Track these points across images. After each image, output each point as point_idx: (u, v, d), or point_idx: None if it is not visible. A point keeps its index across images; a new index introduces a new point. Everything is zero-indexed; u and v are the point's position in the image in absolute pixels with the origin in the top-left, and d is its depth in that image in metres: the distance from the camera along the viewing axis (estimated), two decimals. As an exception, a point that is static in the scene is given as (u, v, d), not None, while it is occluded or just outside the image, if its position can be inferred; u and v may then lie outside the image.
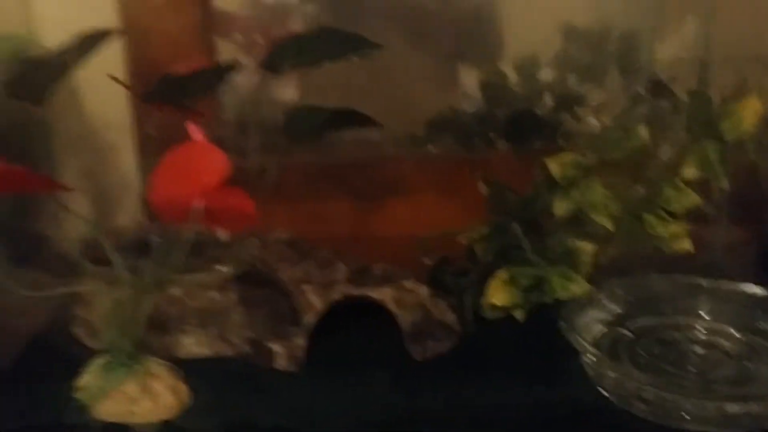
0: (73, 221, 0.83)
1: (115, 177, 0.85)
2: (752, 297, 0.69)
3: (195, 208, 0.58)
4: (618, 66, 0.95)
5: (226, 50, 0.86)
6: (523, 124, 0.95)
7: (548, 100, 0.96)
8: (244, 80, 0.82)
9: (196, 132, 0.60)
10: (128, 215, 0.85)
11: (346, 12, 0.92)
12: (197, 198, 0.57)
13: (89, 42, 0.61)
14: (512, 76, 0.95)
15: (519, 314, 0.72)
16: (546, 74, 0.96)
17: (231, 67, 0.62)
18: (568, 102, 0.96)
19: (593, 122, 0.96)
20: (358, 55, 0.62)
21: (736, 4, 0.91)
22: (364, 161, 0.91)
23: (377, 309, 0.70)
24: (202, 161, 0.58)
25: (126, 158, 0.85)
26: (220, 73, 0.63)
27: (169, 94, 0.62)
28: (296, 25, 0.95)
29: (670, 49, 0.96)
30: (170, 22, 0.81)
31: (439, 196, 0.90)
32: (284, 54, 0.61)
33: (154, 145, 0.79)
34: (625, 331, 0.68)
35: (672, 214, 0.70)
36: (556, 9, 0.92)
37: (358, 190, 0.90)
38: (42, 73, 0.60)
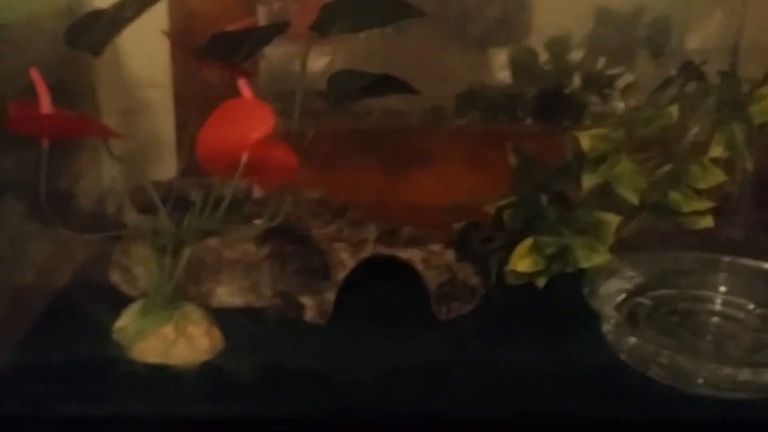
0: (105, 175, 0.87)
1: (153, 133, 0.88)
2: (769, 273, 0.71)
3: (242, 161, 0.60)
4: (648, 50, 0.97)
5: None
6: (550, 102, 0.97)
7: (577, 80, 0.98)
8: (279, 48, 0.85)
9: (245, 88, 0.62)
10: (164, 171, 0.88)
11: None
12: (244, 151, 0.60)
13: (145, -1, 0.63)
14: (542, 55, 0.97)
15: (541, 281, 0.75)
16: (576, 54, 0.98)
17: (281, 27, 0.64)
18: (597, 83, 0.98)
19: (620, 104, 0.97)
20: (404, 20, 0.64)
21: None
22: (394, 129, 0.94)
23: (404, 269, 0.73)
24: (250, 116, 0.61)
25: (164, 115, 0.88)
26: (270, 32, 0.65)
27: (220, 51, 0.64)
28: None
29: (701, 36, 0.98)
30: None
31: (467, 167, 0.92)
32: (333, 18, 0.63)
33: (192, 104, 0.83)
34: (645, 300, 0.70)
35: (697, 192, 0.72)
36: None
37: (388, 157, 0.92)
38: (100, 26, 0.62)
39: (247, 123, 0.60)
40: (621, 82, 0.97)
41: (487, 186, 0.82)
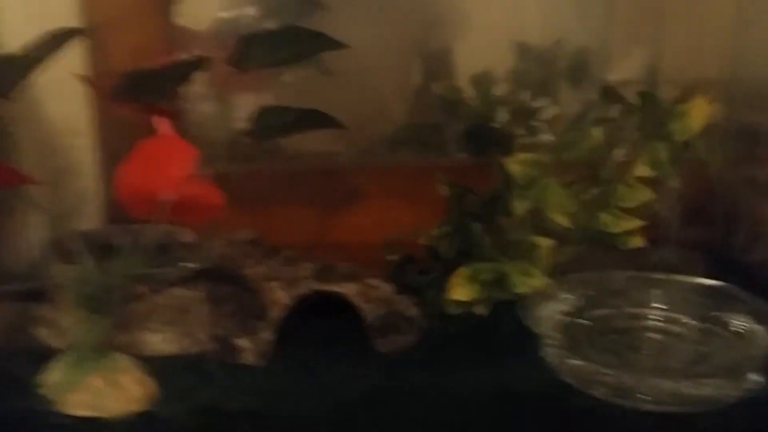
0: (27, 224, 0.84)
1: (75, 179, 0.85)
2: (703, 287, 0.72)
3: (165, 200, 0.59)
4: (569, 81, 0.99)
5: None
6: (479, 136, 0.98)
7: (503, 114, 0.99)
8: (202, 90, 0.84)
9: (164, 125, 0.61)
10: (89, 218, 0.85)
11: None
12: (167, 190, 0.58)
13: (57, 40, 0.62)
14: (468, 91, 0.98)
15: (481, 309, 0.75)
16: (500, 89, 0.99)
17: (198, 64, 0.64)
18: (522, 115, 0.99)
19: (546, 136, 0.99)
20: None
21: (683, 29, 0.95)
22: (324, 169, 0.93)
23: (342, 305, 0.71)
24: (171, 154, 0.60)
25: (87, 161, 0.85)
26: (187, 69, 0.64)
27: (136, 90, 0.63)
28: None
29: (620, 69, 1.00)
30: (132, 31, 0.82)
31: (399, 203, 0.92)
32: (251, 50, 0.62)
33: (115, 148, 0.81)
34: (584, 321, 0.70)
35: (626, 212, 0.73)
36: (510, 27, 0.96)
37: (320, 197, 0.91)
38: (11, 69, 0.61)
39: (169, 161, 0.59)
40: (546, 114, 0.99)
41: (420, 220, 0.82)
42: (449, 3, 1.03)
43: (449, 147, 0.99)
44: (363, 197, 0.92)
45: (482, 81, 0.98)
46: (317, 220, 0.90)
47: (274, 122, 0.69)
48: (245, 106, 0.90)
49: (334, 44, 0.64)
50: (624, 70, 0.99)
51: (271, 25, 0.93)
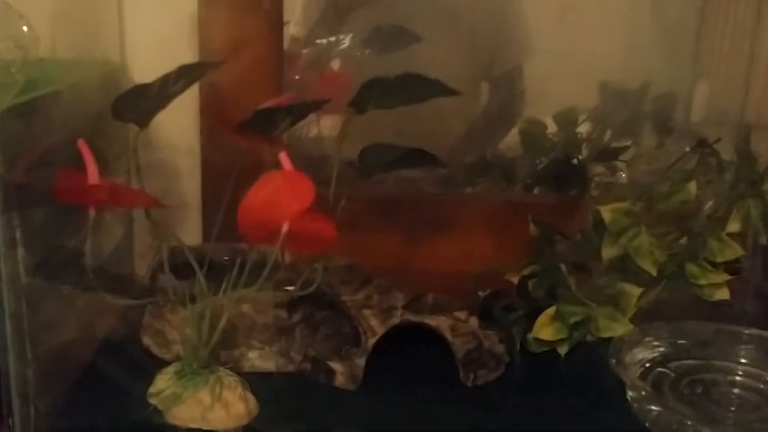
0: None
1: (180, 198, 0.90)
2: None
3: (282, 231, 0.62)
4: (653, 123, 1.01)
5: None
6: (559, 172, 1.00)
7: (584, 152, 1.01)
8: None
9: (286, 161, 0.64)
10: (190, 235, 0.89)
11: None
12: (285, 221, 0.62)
13: (192, 73, 0.66)
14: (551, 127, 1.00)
15: (563, 349, 0.77)
16: (582, 127, 1.01)
17: (318, 104, 0.67)
18: (603, 154, 1.01)
19: (623, 175, 1.01)
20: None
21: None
22: (411, 197, 0.96)
23: (429, 335, 0.75)
24: (291, 188, 0.63)
25: (192, 181, 0.90)
26: (308, 108, 0.68)
27: (262, 125, 0.66)
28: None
29: (704, 111, 1.02)
30: (245, 58, 0.86)
31: (481, 234, 0.95)
32: (370, 95, 0.66)
33: (217, 172, 0.85)
34: (668, 371, 0.72)
35: (714, 264, 0.75)
36: (596, 66, 0.98)
37: (406, 224, 0.94)
38: (147, 100, 0.65)
39: (288, 195, 0.63)
40: (626, 155, 1.00)
41: (502, 253, 0.85)
42: (535, 35, 1.05)
43: (529, 181, 1.01)
44: (446, 226, 0.95)
45: (566, 118, 1.00)
46: (404, 247, 0.93)
47: (379, 159, 0.72)
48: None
49: (448, 91, 0.67)
50: (709, 112, 1.01)
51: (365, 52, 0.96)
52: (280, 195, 0.63)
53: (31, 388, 0.61)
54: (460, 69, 1.06)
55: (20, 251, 0.58)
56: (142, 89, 0.64)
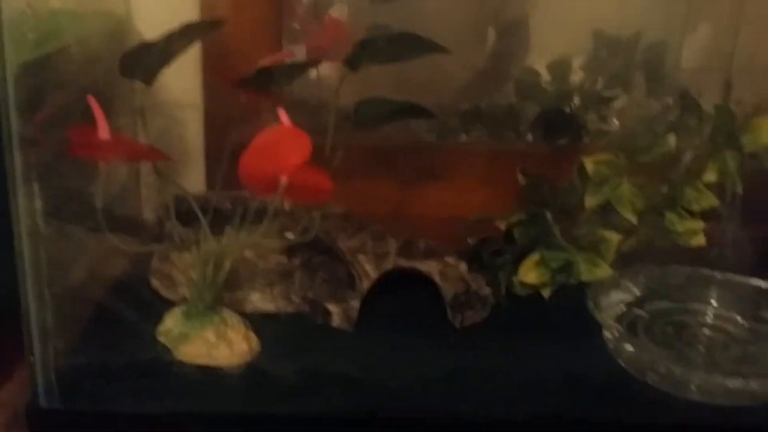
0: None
1: (184, 148, 0.94)
2: (758, 289, 0.78)
3: (281, 183, 0.66)
4: (644, 72, 1.03)
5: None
6: (552, 122, 1.03)
7: (576, 100, 1.04)
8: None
9: (284, 116, 0.68)
10: (192, 183, 0.93)
11: (398, 16, 0.99)
12: (284, 174, 0.66)
13: (195, 31, 0.69)
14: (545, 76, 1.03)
15: (546, 292, 0.82)
16: (576, 76, 1.04)
17: (315, 62, 0.71)
18: (595, 103, 1.04)
19: (616, 123, 1.04)
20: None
21: (759, 16, 0.98)
22: (405, 146, 1.00)
23: (419, 279, 0.79)
24: (289, 142, 0.67)
25: (195, 133, 0.93)
26: (306, 66, 0.71)
27: (263, 82, 0.70)
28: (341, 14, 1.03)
29: (694, 57, 1.04)
30: (247, 10, 0.89)
31: (474, 183, 0.98)
32: (365, 53, 0.69)
33: (218, 123, 0.88)
34: (643, 312, 0.77)
35: (690, 213, 0.79)
36: (588, 16, 1.00)
37: (403, 173, 0.98)
38: (153, 57, 0.68)
39: (287, 149, 0.67)
40: (618, 104, 1.03)
41: (494, 201, 0.89)
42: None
43: (520, 130, 1.05)
44: (440, 174, 0.98)
45: (559, 67, 1.03)
46: (398, 194, 0.97)
47: (373, 113, 0.75)
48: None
49: (440, 48, 0.70)
50: (699, 58, 1.03)
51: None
52: (279, 149, 0.67)
53: (49, 328, 0.66)
54: (465, 16, 1.08)
55: (38, 203, 0.62)
56: (145, 47, 0.68)
